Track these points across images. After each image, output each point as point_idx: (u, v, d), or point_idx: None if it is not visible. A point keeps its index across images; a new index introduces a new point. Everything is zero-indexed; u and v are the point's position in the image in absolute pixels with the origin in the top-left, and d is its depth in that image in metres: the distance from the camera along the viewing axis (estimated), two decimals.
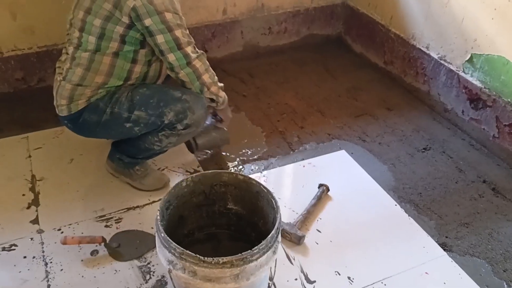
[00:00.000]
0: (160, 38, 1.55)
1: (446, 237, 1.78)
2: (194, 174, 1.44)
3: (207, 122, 1.98)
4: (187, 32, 1.62)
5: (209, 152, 2.13)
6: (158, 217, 1.28)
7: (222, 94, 1.79)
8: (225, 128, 2.02)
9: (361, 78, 2.75)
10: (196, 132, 1.77)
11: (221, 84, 1.78)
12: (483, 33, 2.13)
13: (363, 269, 1.63)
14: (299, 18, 2.88)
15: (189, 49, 1.61)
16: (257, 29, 2.79)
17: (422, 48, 2.49)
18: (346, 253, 1.68)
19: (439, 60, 2.41)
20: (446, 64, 2.37)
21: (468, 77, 2.27)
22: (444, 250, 1.72)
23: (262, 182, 1.47)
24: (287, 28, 2.88)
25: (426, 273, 1.62)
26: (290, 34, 2.92)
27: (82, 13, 1.57)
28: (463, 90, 2.30)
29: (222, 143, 2.08)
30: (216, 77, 1.74)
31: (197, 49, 1.65)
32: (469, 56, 2.23)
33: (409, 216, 1.85)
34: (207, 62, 1.69)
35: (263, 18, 2.77)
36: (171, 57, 1.60)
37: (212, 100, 1.77)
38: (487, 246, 1.75)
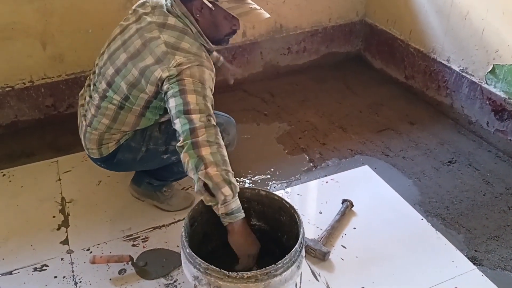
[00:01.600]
0: (171, 102, 1.40)
1: (476, 250, 1.74)
2: None
3: None
4: (206, 102, 1.39)
5: None
6: (183, 233, 1.30)
7: (227, 190, 1.30)
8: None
9: (382, 94, 2.75)
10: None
11: (234, 182, 1.33)
12: (505, 44, 2.11)
13: (390, 284, 1.60)
14: (318, 37, 2.91)
15: (197, 116, 1.36)
16: (276, 50, 2.84)
17: (443, 62, 2.48)
18: (372, 268, 1.66)
19: (460, 72, 2.39)
20: (468, 76, 2.35)
21: (491, 88, 2.24)
22: (474, 264, 1.67)
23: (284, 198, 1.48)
24: (306, 48, 2.92)
25: (456, 287, 1.58)
26: (309, 53, 2.95)
27: (113, 70, 1.54)
28: (487, 102, 2.27)
29: None
30: (226, 166, 1.33)
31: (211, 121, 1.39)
32: (491, 67, 2.21)
33: (436, 230, 1.81)
34: (220, 140, 1.37)
35: (282, 39, 2.81)
36: (177, 123, 1.38)
37: (208, 190, 1.31)
38: None
